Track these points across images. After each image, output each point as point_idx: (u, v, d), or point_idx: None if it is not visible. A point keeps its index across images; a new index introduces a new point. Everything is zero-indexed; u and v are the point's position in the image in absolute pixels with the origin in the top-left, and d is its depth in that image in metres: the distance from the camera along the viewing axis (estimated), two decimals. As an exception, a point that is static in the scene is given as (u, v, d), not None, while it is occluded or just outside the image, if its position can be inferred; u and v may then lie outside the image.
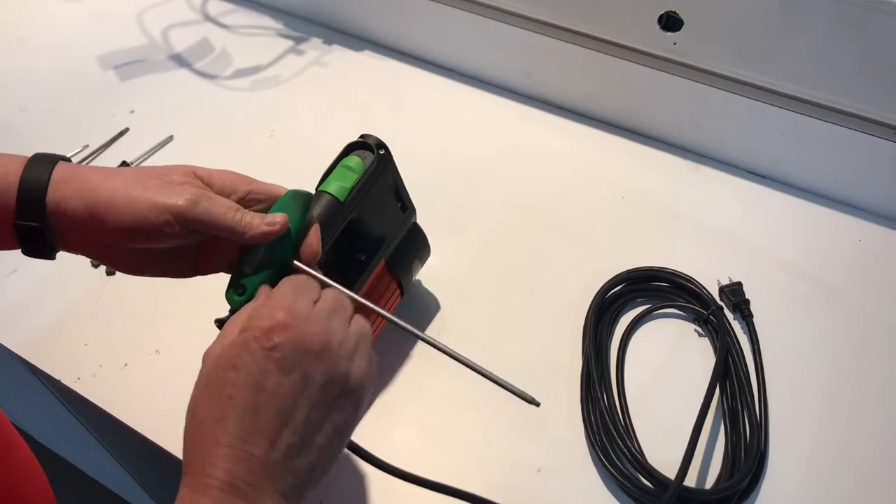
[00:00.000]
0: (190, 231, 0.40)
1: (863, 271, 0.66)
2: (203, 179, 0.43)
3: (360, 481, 0.53)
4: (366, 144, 0.51)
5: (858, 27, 0.59)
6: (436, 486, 0.44)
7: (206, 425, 0.34)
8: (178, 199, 0.39)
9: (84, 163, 0.76)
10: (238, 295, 0.42)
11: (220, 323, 0.42)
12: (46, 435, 1.08)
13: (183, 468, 0.35)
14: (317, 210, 0.46)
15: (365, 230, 0.52)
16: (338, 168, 0.49)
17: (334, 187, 0.48)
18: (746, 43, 0.64)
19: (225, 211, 0.40)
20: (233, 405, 0.34)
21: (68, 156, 0.74)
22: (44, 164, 0.40)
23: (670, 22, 0.66)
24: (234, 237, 0.41)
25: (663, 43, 0.68)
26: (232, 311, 0.42)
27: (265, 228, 0.41)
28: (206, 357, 0.37)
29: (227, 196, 0.42)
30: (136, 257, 0.43)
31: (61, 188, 0.39)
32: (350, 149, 0.51)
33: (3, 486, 0.38)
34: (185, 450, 0.35)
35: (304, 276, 0.40)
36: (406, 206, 0.56)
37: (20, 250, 0.41)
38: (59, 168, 0.40)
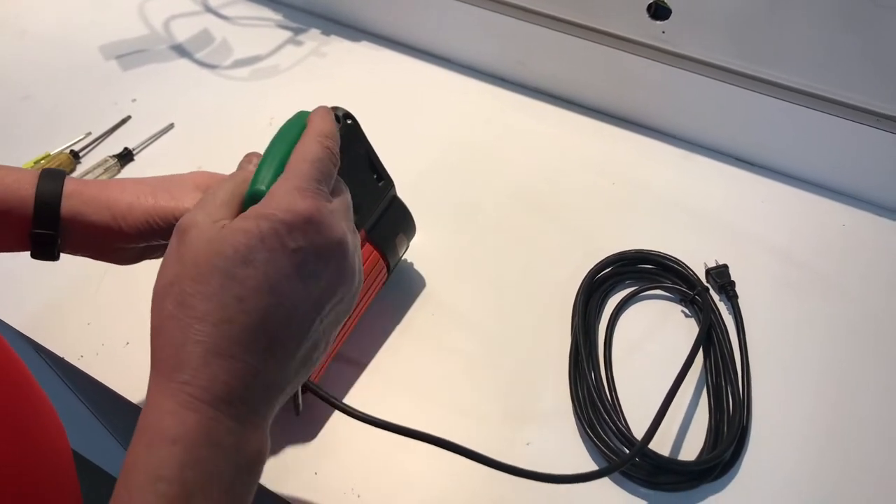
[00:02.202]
0: None
1: (846, 255, 0.67)
2: (206, 185, 0.47)
3: (352, 445, 0.55)
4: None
5: (842, 16, 0.60)
6: (434, 440, 0.45)
7: (206, 325, 0.29)
8: (180, 206, 0.44)
9: (87, 149, 0.78)
10: None
11: None
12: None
13: (156, 361, 0.30)
14: None
15: None
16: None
17: None
18: (733, 32, 0.66)
19: None
20: (243, 309, 0.29)
21: (72, 143, 0.78)
22: (54, 178, 0.45)
23: (659, 11, 0.68)
24: None
25: (652, 31, 0.70)
26: None
27: None
28: (191, 228, 0.31)
29: None
30: (139, 253, 0.48)
31: (74, 201, 0.44)
32: None
33: (22, 434, 0.38)
34: (162, 338, 0.30)
35: (328, 151, 0.34)
36: (382, 177, 0.56)
37: (29, 254, 0.45)
38: (69, 183, 0.45)
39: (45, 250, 0.45)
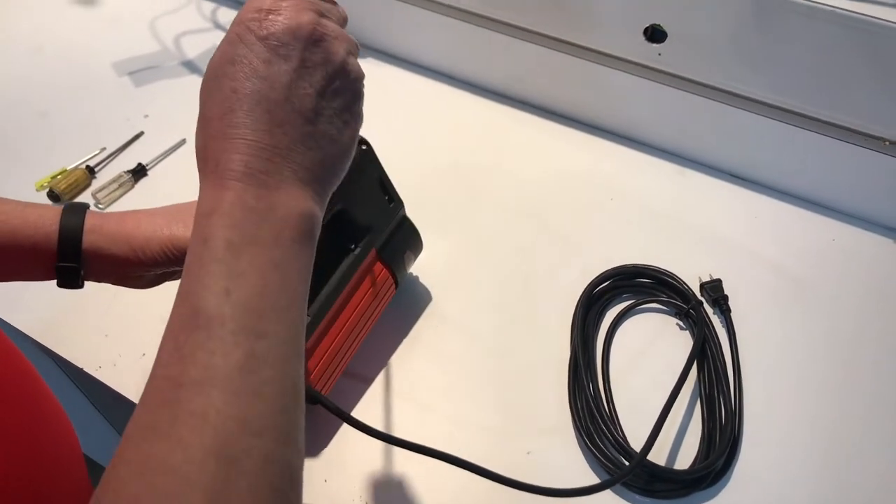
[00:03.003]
0: None
1: (835, 270, 0.70)
2: None
3: (360, 455, 0.57)
4: None
5: (827, 42, 0.63)
6: (436, 454, 0.48)
7: (215, 122, 0.34)
8: None
9: (102, 164, 0.80)
10: None
11: None
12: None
13: (199, 173, 0.34)
14: None
15: (353, 221, 0.56)
16: None
17: None
18: (726, 55, 0.68)
19: None
20: (237, 97, 0.33)
21: (87, 158, 0.80)
22: (76, 213, 0.48)
23: (655, 34, 0.70)
24: None
25: (649, 53, 0.72)
26: None
27: None
28: (210, 62, 0.37)
29: None
30: (159, 278, 0.52)
31: (94, 236, 0.48)
32: None
33: (34, 441, 0.40)
34: (198, 153, 0.35)
35: None
36: (393, 199, 0.60)
37: (56, 283, 0.49)
38: (90, 217, 0.49)
39: (70, 280, 0.49)
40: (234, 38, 0.35)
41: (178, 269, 0.51)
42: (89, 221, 0.48)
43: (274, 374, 0.31)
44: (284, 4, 0.35)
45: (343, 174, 0.39)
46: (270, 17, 0.35)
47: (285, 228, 0.34)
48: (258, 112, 0.33)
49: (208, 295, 0.31)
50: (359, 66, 0.39)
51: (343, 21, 0.40)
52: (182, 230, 0.49)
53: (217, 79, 0.34)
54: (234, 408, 0.29)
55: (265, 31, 0.34)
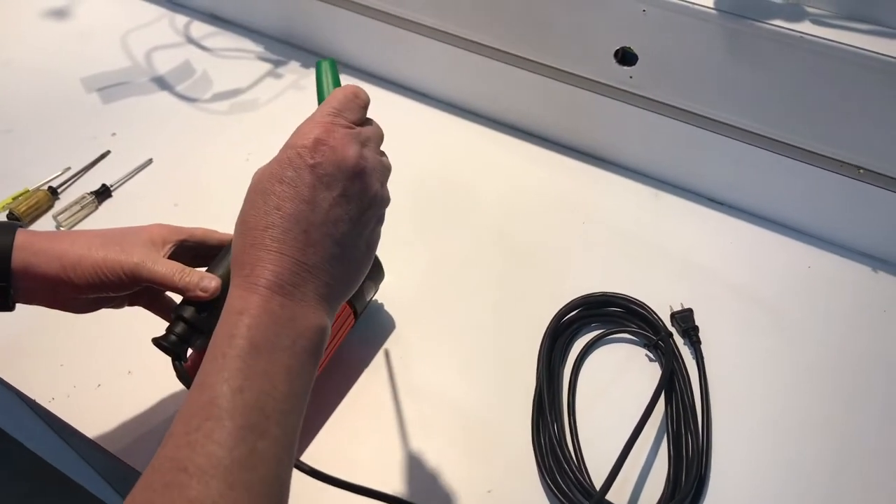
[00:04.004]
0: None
1: (812, 299, 0.68)
2: (162, 238, 0.51)
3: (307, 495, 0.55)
4: None
5: (800, 69, 0.61)
6: (388, 498, 0.46)
7: (256, 232, 0.37)
8: (129, 260, 0.48)
9: (66, 185, 0.79)
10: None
11: (156, 342, 0.46)
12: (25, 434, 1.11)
13: (232, 273, 0.38)
14: None
15: None
16: None
17: None
18: (698, 79, 0.67)
19: (166, 272, 0.48)
20: (280, 215, 0.37)
21: (50, 178, 0.78)
22: (5, 231, 0.47)
23: (626, 56, 0.69)
24: (179, 294, 0.48)
25: (620, 76, 0.71)
26: (168, 330, 0.47)
27: (199, 294, 0.47)
28: (256, 174, 0.40)
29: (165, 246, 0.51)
30: (92, 303, 0.51)
31: (24, 253, 0.47)
32: None
33: None
34: (235, 256, 0.38)
35: (349, 92, 0.42)
36: None
37: None
38: (20, 235, 0.47)
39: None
40: (286, 160, 0.38)
41: (112, 294, 0.49)
42: (20, 238, 0.47)
43: (268, 473, 0.34)
44: (335, 136, 0.39)
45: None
46: (321, 148, 0.38)
47: (300, 338, 0.37)
48: (296, 231, 0.37)
49: (224, 389, 0.34)
50: (388, 194, 0.43)
51: (381, 142, 0.44)
52: (117, 253, 0.48)
53: (264, 193, 0.38)
54: (228, 500, 0.31)
55: (314, 161, 0.38)
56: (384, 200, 0.43)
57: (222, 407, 0.33)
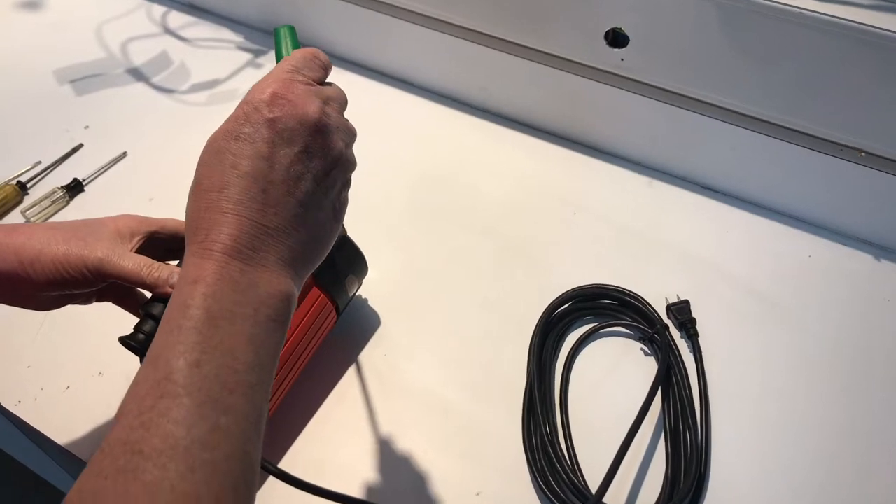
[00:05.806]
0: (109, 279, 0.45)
1: (812, 288, 0.66)
2: (130, 230, 0.47)
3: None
4: None
5: (796, 46, 0.59)
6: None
7: (211, 194, 0.35)
8: (93, 254, 0.44)
9: (36, 179, 0.76)
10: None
11: (123, 341, 0.43)
12: None
13: (187, 241, 0.35)
14: None
15: None
16: None
17: None
18: (692, 61, 0.64)
19: (133, 267, 0.44)
20: (237, 174, 0.35)
21: (20, 173, 0.75)
22: None
23: (617, 38, 0.66)
24: (147, 290, 0.45)
25: (611, 59, 0.68)
26: (136, 328, 0.43)
27: (168, 290, 0.44)
28: (211, 136, 0.38)
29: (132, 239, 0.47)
30: (56, 300, 0.46)
31: None
32: None
33: None
34: (188, 220, 0.35)
35: (308, 52, 0.40)
36: None
37: None
38: None
39: None
40: (241, 115, 0.36)
41: (77, 291, 0.46)
42: None
43: (233, 450, 0.31)
44: (294, 90, 0.37)
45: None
46: (279, 101, 0.36)
47: (263, 306, 0.34)
48: (255, 191, 0.35)
49: (180, 363, 0.31)
50: (353, 157, 0.40)
51: (344, 106, 0.41)
52: (80, 248, 0.44)
53: (218, 152, 0.35)
54: (188, 483, 0.29)
55: (273, 114, 0.36)
56: (350, 162, 0.40)
57: (178, 383, 0.31)
